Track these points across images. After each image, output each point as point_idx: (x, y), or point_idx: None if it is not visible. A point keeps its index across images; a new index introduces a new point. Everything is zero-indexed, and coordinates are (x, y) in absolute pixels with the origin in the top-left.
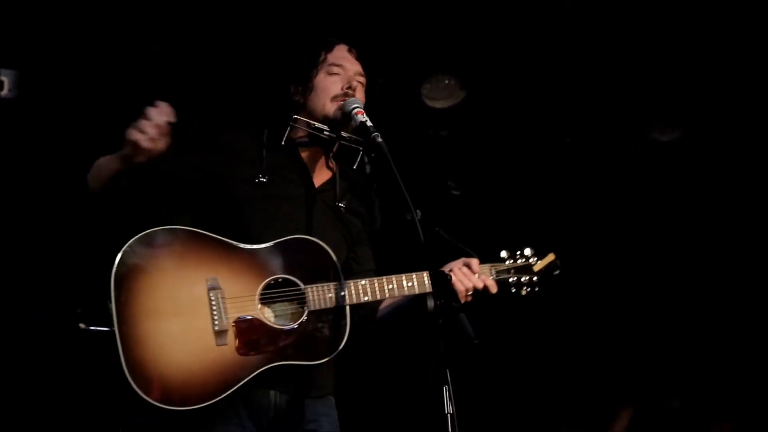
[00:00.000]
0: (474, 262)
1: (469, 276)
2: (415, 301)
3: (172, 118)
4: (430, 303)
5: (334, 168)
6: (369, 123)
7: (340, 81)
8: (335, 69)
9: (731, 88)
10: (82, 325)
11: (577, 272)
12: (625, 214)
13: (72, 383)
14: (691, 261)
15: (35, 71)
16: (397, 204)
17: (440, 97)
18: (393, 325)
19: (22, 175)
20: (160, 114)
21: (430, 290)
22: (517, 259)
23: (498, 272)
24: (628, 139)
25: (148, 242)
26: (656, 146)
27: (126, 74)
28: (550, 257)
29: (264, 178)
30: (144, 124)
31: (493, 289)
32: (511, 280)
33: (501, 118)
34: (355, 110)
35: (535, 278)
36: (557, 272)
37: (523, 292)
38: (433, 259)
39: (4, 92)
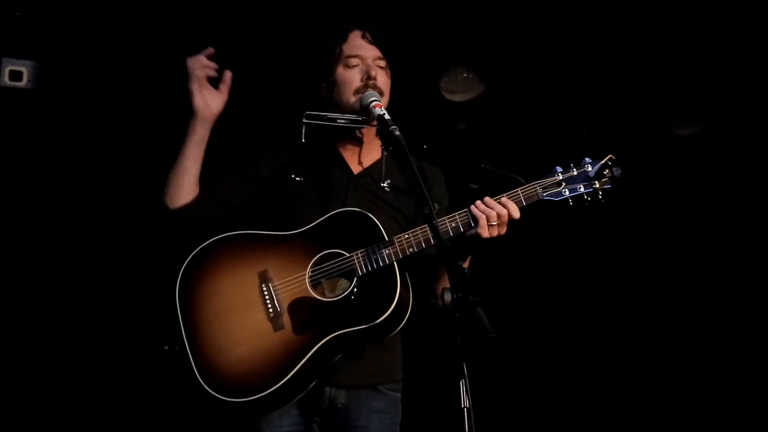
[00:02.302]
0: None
1: (489, 203)
2: None
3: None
4: (447, 297)
5: (376, 151)
6: (387, 116)
7: (359, 72)
8: (353, 60)
9: (749, 83)
10: (166, 347)
11: (591, 268)
12: (640, 209)
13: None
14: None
15: (54, 62)
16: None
17: (459, 90)
18: None
19: (40, 165)
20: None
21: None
22: (571, 169)
23: (545, 188)
24: (644, 134)
25: (202, 255)
26: (670, 142)
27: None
28: (607, 158)
29: (299, 177)
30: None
31: (515, 213)
32: (564, 192)
33: (519, 112)
34: (373, 104)
35: (594, 183)
36: (618, 173)
37: (585, 203)
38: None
39: (23, 83)
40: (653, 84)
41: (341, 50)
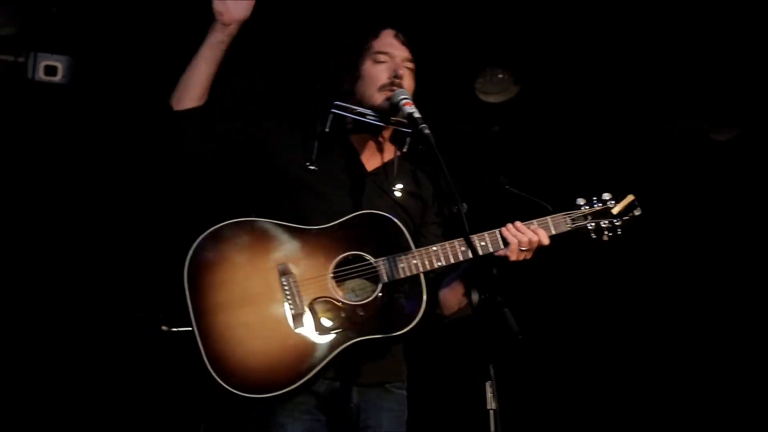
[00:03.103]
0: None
1: (521, 229)
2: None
3: None
4: (475, 297)
5: (388, 152)
6: (417, 114)
7: (386, 69)
8: (382, 57)
9: None
10: (164, 328)
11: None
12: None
13: (157, 382)
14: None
15: (88, 57)
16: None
17: (493, 91)
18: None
19: (74, 160)
20: None
21: (504, 248)
22: (594, 204)
23: (574, 219)
24: (683, 134)
25: (215, 238)
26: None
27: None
28: (629, 198)
29: (313, 166)
30: None
31: (545, 240)
32: (589, 226)
33: (555, 113)
34: (403, 101)
35: (616, 221)
36: (638, 213)
37: (605, 238)
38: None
39: (58, 78)
40: (691, 86)
41: (371, 45)
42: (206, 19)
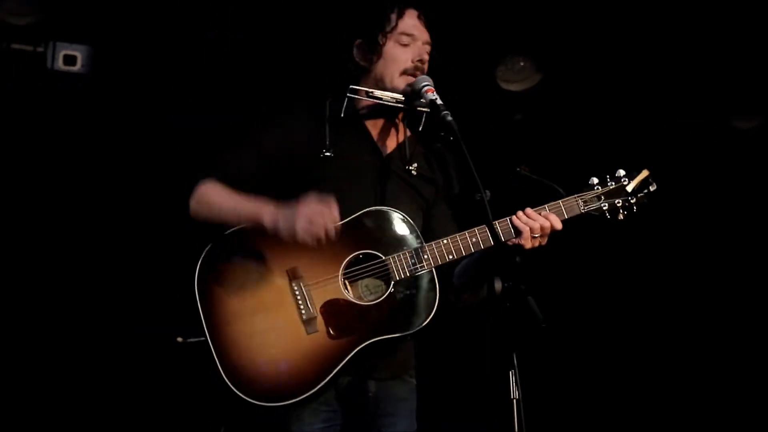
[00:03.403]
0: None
1: (532, 216)
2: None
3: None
4: (498, 285)
5: (402, 133)
6: (439, 101)
7: (410, 53)
8: (406, 39)
9: None
10: (179, 339)
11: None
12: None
13: (177, 385)
14: None
15: (108, 47)
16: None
17: (515, 79)
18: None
19: (94, 149)
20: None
21: (516, 237)
22: (608, 183)
23: (586, 202)
24: (706, 126)
25: (224, 246)
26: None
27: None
28: (644, 173)
29: (329, 152)
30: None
31: (558, 225)
32: (603, 206)
33: (578, 102)
34: (426, 88)
35: (630, 199)
36: (654, 188)
37: (620, 217)
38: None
39: (77, 67)
40: (716, 75)
41: (396, 25)
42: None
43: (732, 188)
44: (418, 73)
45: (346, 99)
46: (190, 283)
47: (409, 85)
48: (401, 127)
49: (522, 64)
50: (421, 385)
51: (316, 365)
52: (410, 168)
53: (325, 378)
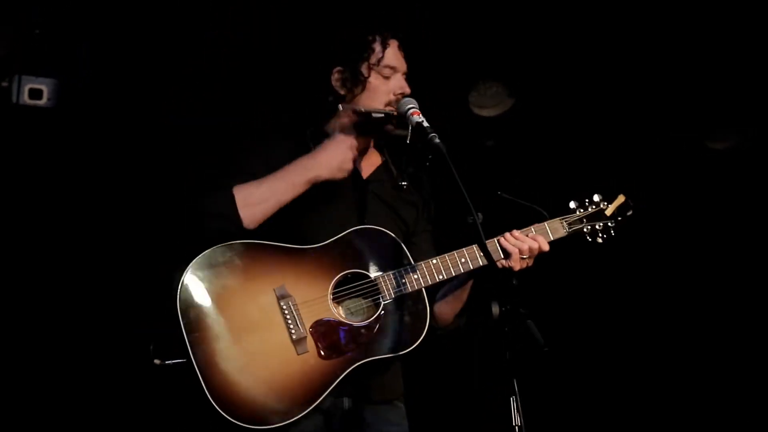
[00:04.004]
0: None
1: (519, 237)
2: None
3: None
4: (495, 310)
5: (381, 157)
6: (426, 123)
7: (391, 84)
8: (388, 71)
9: None
10: (156, 361)
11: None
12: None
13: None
14: None
15: (74, 80)
16: (456, 205)
17: (488, 105)
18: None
19: (59, 184)
20: None
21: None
22: (588, 207)
23: (570, 224)
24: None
25: (207, 263)
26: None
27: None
28: (620, 199)
29: None
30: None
31: (545, 246)
32: (585, 229)
33: (551, 127)
34: (411, 111)
35: (609, 223)
36: (630, 212)
37: (600, 240)
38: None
39: (43, 101)
40: (692, 98)
41: (382, 57)
42: (191, 43)
43: (717, 199)
44: (404, 97)
45: (337, 117)
46: (171, 300)
47: (393, 107)
48: (381, 151)
49: (495, 89)
50: (413, 411)
51: (307, 386)
52: (388, 195)
53: (317, 399)
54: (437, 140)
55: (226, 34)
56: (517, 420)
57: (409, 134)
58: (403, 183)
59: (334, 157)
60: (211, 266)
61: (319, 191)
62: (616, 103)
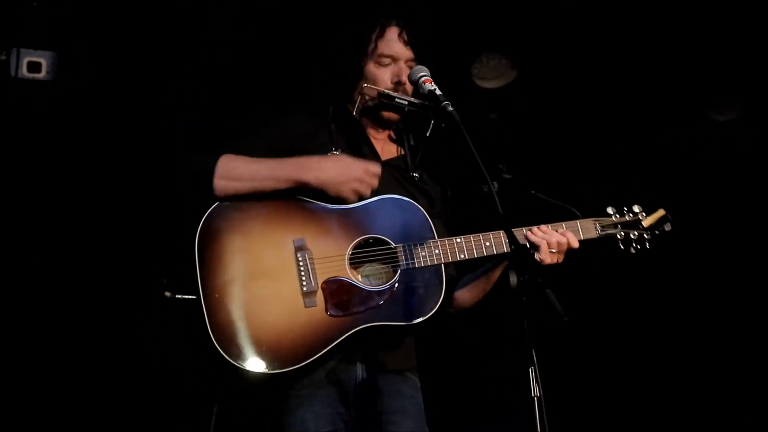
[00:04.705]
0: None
1: (547, 231)
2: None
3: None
4: (513, 279)
5: (403, 141)
6: (438, 91)
7: (389, 72)
8: (386, 60)
9: None
10: (167, 294)
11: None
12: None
13: (162, 353)
14: None
15: (73, 54)
16: (470, 175)
17: (491, 76)
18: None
19: (58, 159)
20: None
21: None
22: (625, 214)
23: (603, 227)
24: (683, 120)
25: (231, 206)
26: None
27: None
28: (660, 212)
29: (337, 151)
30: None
31: (574, 243)
32: (618, 235)
33: (554, 99)
34: (423, 79)
35: (645, 234)
36: (669, 227)
37: (632, 250)
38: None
39: (42, 74)
40: (693, 68)
41: (376, 46)
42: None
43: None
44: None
45: (359, 98)
46: (190, 237)
47: (407, 76)
48: (403, 134)
49: (498, 60)
50: (433, 385)
51: (309, 339)
52: (412, 175)
53: (315, 354)
54: (450, 108)
55: (226, 34)
56: (535, 391)
57: (431, 128)
58: (415, 174)
59: (341, 174)
60: (234, 209)
61: None
62: (620, 78)
